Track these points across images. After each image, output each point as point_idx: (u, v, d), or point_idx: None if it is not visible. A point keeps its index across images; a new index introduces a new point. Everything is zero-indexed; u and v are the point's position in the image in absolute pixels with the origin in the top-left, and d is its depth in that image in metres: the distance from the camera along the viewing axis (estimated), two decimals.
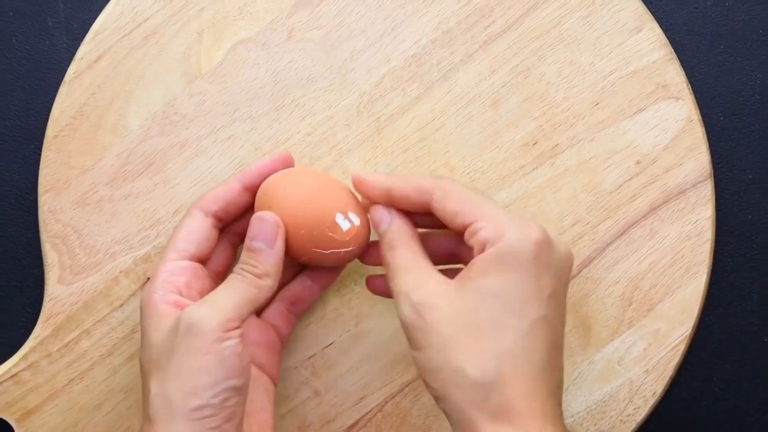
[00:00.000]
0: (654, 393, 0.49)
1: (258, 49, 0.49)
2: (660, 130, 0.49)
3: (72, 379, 0.49)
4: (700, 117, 0.49)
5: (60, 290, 0.49)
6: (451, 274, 0.40)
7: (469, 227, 0.39)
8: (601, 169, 0.49)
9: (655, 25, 0.49)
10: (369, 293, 0.49)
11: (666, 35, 0.49)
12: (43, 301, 0.49)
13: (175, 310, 0.40)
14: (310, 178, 0.43)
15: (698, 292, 0.49)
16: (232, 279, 0.41)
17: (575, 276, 0.49)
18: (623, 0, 0.49)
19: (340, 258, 0.43)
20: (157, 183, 0.49)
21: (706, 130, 0.49)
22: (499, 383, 0.36)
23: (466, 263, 0.41)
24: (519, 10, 0.49)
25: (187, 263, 0.43)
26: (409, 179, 0.41)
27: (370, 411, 0.49)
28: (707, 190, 0.49)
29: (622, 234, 0.49)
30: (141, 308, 0.42)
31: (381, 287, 0.45)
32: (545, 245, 0.38)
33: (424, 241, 0.42)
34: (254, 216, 0.42)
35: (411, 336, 0.39)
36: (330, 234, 0.42)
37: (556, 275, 0.38)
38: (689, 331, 0.49)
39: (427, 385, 0.38)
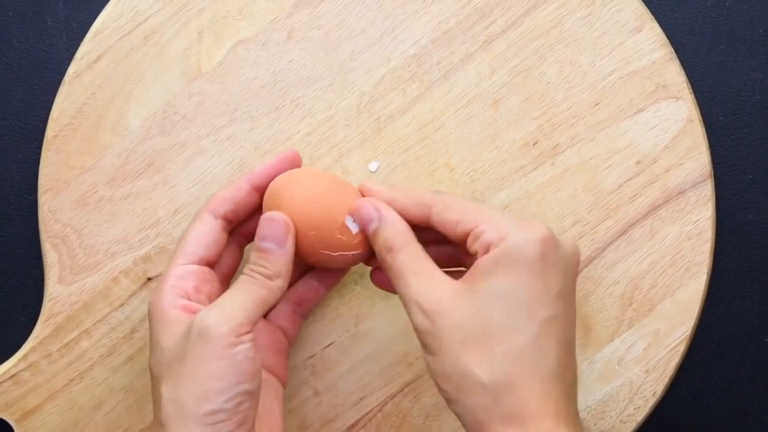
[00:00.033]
0: (654, 393, 0.49)
1: (258, 49, 0.49)
2: (660, 130, 0.49)
3: (72, 379, 0.49)
4: (701, 117, 0.49)
5: (60, 290, 0.49)
6: (452, 275, 0.40)
7: (471, 233, 0.39)
8: (602, 169, 0.49)
9: (655, 25, 0.49)
10: (369, 293, 0.49)
11: (666, 35, 0.49)
12: (43, 301, 0.49)
13: (184, 314, 0.40)
14: (319, 179, 0.43)
15: (698, 292, 0.49)
16: (242, 281, 0.41)
17: None
18: (623, 0, 0.49)
19: (347, 260, 0.42)
20: (157, 183, 0.49)
21: (706, 130, 0.49)
22: (510, 386, 0.36)
23: (468, 267, 0.41)
24: (519, 10, 0.49)
25: (195, 267, 0.42)
26: (410, 193, 0.41)
27: (370, 411, 0.49)
28: (707, 190, 0.49)
29: (622, 234, 0.49)
30: (149, 313, 0.41)
31: (386, 282, 0.44)
32: (551, 243, 0.38)
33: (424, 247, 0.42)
34: (264, 216, 0.42)
35: (423, 341, 0.39)
36: (339, 236, 0.42)
37: (563, 273, 0.38)
38: (689, 331, 0.49)
39: (440, 389, 0.38)
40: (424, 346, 0.39)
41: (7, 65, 0.51)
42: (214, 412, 0.37)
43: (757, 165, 0.51)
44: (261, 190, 0.44)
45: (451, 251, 0.43)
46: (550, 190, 0.49)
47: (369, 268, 0.45)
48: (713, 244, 0.49)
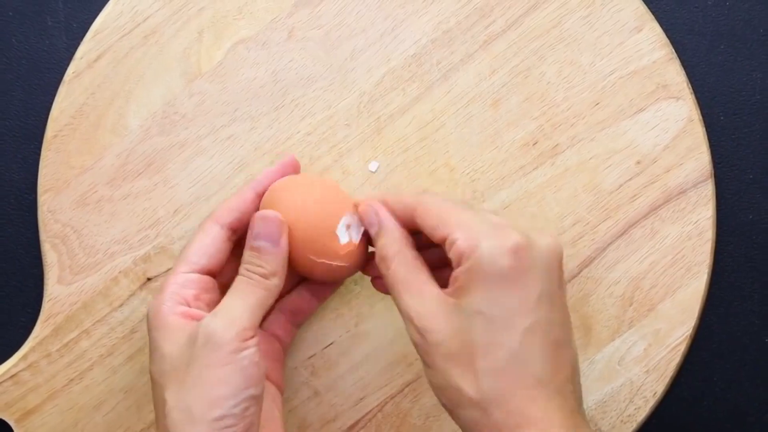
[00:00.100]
0: (654, 393, 0.49)
1: (258, 48, 0.49)
2: (660, 129, 0.49)
3: (71, 379, 0.49)
4: (701, 117, 0.49)
5: (59, 290, 0.48)
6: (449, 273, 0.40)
7: (446, 240, 0.38)
8: (602, 169, 0.49)
9: (655, 25, 0.49)
10: (369, 293, 0.49)
11: (666, 35, 0.49)
12: (43, 301, 0.49)
13: (185, 321, 0.40)
14: (318, 185, 0.43)
15: (699, 292, 0.49)
16: (240, 283, 0.41)
17: (575, 276, 0.49)
18: (623, 0, 0.49)
19: (331, 270, 0.42)
20: (157, 183, 0.49)
21: (706, 129, 0.49)
22: (497, 400, 0.36)
23: None
24: (519, 10, 0.49)
25: (196, 276, 0.42)
26: (397, 198, 0.41)
27: (370, 411, 0.49)
28: (708, 190, 0.49)
29: (622, 234, 0.49)
30: (149, 320, 0.41)
31: (385, 287, 0.45)
32: (522, 249, 0.37)
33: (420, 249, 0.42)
34: (257, 214, 0.42)
35: (419, 355, 0.39)
36: (327, 243, 0.42)
37: (541, 275, 0.38)
38: (690, 331, 0.49)
39: (438, 400, 0.39)
40: (421, 358, 0.39)
41: (6, 65, 0.51)
42: (222, 417, 0.37)
43: (757, 165, 0.51)
44: None
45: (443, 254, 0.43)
46: (550, 190, 0.49)
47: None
48: (714, 244, 0.49)
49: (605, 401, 0.49)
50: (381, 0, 0.49)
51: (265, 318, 0.46)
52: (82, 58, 0.49)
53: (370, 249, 0.43)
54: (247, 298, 0.40)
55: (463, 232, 0.38)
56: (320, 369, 0.49)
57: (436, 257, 0.42)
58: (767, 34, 0.51)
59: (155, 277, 0.49)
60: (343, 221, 0.42)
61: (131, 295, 0.49)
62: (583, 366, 0.49)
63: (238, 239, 0.44)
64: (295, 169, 0.45)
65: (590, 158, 0.49)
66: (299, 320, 0.47)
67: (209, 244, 0.43)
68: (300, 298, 0.46)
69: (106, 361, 0.49)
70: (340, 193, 0.43)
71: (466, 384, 0.37)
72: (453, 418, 0.38)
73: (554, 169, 0.49)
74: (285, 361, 0.47)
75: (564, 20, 0.49)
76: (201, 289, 0.42)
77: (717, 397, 0.52)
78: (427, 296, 0.39)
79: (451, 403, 0.38)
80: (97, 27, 0.49)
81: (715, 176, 0.49)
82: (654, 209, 0.49)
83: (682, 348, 0.49)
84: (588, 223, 0.49)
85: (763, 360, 0.52)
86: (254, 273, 0.41)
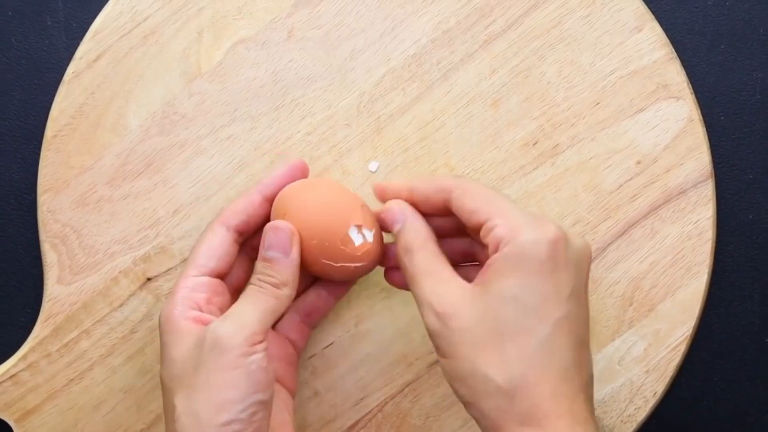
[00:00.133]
0: (654, 393, 0.49)
1: (258, 48, 0.49)
2: (660, 129, 0.49)
3: (71, 380, 0.49)
4: (701, 117, 0.49)
5: (59, 290, 0.48)
6: (467, 271, 0.40)
7: (484, 225, 0.39)
8: (602, 169, 0.49)
9: (655, 25, 0.49)
10: (369, 293, 0.49)
11: (667, 35, 0.49)
12: (43, 301, 0.49)
13: (196, 326, 0.40)
14: (326, 189, 0.43)
15: (699, 292, 0.49)
16: (251, 291, 0.41)
17: None
18: (623, 0, 0.49)
19: (349, 272, 0.42)
20: (157, 183, 0.49)
21: (706, 129, 0.49)
22: (525, 388, 0.36)
23: (482, 262, 0.41)
24: (519, 10, 0.49)
25: (206, 279, 0.42)
26: (430, 179, 0.41)
27: (370, 411, 0.49)
28: (708, 190, 0.49)
29: (622, 234, 0.49)
30: (160, 325, 0.41)
31: (399, 280, 0.44)
32: (561, 243, 0.38)
33: (440, 242, 0.42)
34: (268, 225, 0.42)
35: (437, 344, 0.39)
36: (341, 247, 0.41)
37: (575, 272, 0.38)
38: (690, 331, 0.49)
39: (455, 392, 0.38)
40: (437, 349, 0.39)
41: (6, 65, 0.51)
42: (229, 422, 0.37)
43: (757, 165, 0.51)
44: (272, 201, 0.44)
45: (466, 245, 0.43)
46: (550, 190, 0.49)
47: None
48: (714, 244, 0.49)
49: (605, 401, 0.49)
50: (381, 0, 0.49)
51: (278, 321, 0.46)
52: (81, 58, 0.48)
53: (387, 240, 0.43)
54: (257, 304, 0.40)
55: (503, 219, 0.38)
56: (320, 369, 0.49)
57: (463, 249, 0.42)
58: (767, 33, 0.51)
59: (155, 277, 0.49)
60: (353, 223, 0.42)
61: (131, 295, 0.49)
62: None
63: (245, 241, 0.45)
64: (303, 172, 0.45)
65: (590, 158, 0.49)
66: (314, 320, 0.47)
67: (217, 247, 0.43)
68: (317, 297, 0.46)
69: (105, 361, 0.49)
70: (348, 195, 0.43)
71: (493, 370, 0.36)
72: (472, 411, 0.38)
73: (554, 169, 0.49)
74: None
75: (564, 20, 0.49)
76: (212, 293, 0.42)
77: (717, 397, 0.52)
78: (451, 282, 0.39)
79: (471, 393, 0.37)
80: (96, 27, 0.49)
81: (715, 176, 0.49)
82: (654, 209, 0.49)
83: (682, 348, 0.49)
84: (588, 223, 0.49)
85: (763, 360, 0.52)
86: (266, 283, 0.41)
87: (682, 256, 0.49)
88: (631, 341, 0.49)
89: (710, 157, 0.49)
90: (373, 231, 0.42)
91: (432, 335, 0.39)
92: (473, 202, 0.39)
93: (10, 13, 0.51)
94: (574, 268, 0.38)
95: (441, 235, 0.42)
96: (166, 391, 0.40)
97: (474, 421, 0.38)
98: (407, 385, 0.49)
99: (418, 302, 0.39)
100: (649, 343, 0.49)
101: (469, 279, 0.39)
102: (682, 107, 0.49)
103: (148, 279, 0.49)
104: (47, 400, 0.49)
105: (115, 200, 0.49)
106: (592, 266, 0.49)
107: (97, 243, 0.49)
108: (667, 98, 0.49)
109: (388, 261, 0.44)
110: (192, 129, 0.49)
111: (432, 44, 0.49)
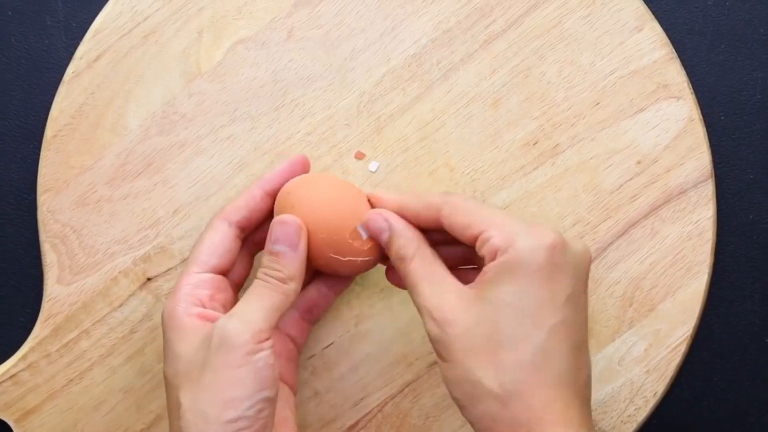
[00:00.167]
0: (655, 393, 0.49)
1: (257, 48, 0.49)
2: (661, 129, 0.49)
3: (71, 380, 0.49)
4: (701, 116, 0.49)
5: (59, 290, 0.48)
6: (466, 274, 0.40)
7: (479, 237, 0.38)
8: (602, 169, 0.49)
9: (655, 25, 0.49)
10: (369, 293, 0.49)
11: (667, 34, 0.49)
12: (42, 301, 0.49)
13: (200, 322, 0.40)
14: (331, 183, 0.43)
15: (699, 292, 0.49)
16: (257, 286, 0.41)
17: None
18: None
19: (356, 266, 0.42)
20: (157, 183, 0.49)
21: (707, 129, 0.49)
22: (518, 394, 0.36)
23: (480, 266, 0.40)
24: (519, 10, 0.49)
25: (209, 276, 0.42)
26: (418, 198, 0.41)
27: (370, 412, 0.49)
28: (708, 190, 0.49)
29: (622, 234, 0.49)
30: (164, 321, 0.41)
31: (400, 280, 0.44)
32: (558, 249, 0.37)
33: (436, 249, 0.42)
34: (276, 219, 0.41)
35: (436, 349, 0.39)
36: (350, 241, 0.41)
37: (572, 277, 0.38)
38: (690, 331, 0.49)
39: (452, 395, 0.39)
40: (437, 353, 0.39)
41: (6, 65, 0.51)
42: (236, 419, 0.37)
43: (758, 165, 0.51)
44: (274, 196, 0.44)
45: (463, 251, 0.43)
46: (550, 190, 0.49)
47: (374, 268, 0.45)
48: (714, 244, 0.49)
49: (605, 401, 0.49)
50: (381, 0, 0.49)
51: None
52: (81, 57, 0.48)
53: None
54: (263, 300, 0.40)
55: (498, 229, 0.38)
56: (320, 369, 0.49)
57: (454, 255, 0.42)
58: (767, 33, 0.51)
59: (155, 277, 0.49)
60: (362, 218, 0.42)
61: (131, 295, 0.49)
62: None
63: (246, 237, 0.44)
64: (305, 168, 0.45)
65: (590, 158, 0.49)
66: (315, 317, 0.47)
67: (219, 243, 0.43)
68: (318, 293, 0.46)
69: (105, 361, 0.49)
70: (353, 189, 0.43)
71: (487, 376, 0.37)
72: (466, 414, 0.38)
73: (554, 168, 0.49)
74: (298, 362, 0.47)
75: (564, 20, 0.49)
76: (215, 289, 0.42)
77: (717, 398, 0.52)
78: (448, 288, 0.39)
79: (467, 397, 0.37)
80: (96, 27, 0.49)
81: (715, 176, 0.49)
82: (654, 209, 0.49)
83: (683, 348, 0.49)
84: (588, 223, 0.49)
85: (763, 360, 0.52)
86: (272, 277, 0.41)
87: (683, 256, 0.49)
88: (631, 341, 0.49)
89: (710, 157, 0.49)
90: None
91: (431, 340, 0.39)
92: (465, 218, 0.39)
93: (9, 13, 0.51)
94: (572, 273, 0.38)
95: (436, 245, 0.42)
96: (170, 387, 0.40)
97: None
98: (407, 385, 0.49)
99: (418, 308, 0.40)
100: (649, 343, 0.49)
101: (467, 282, 0.39)
102: (683, 107, 0.49)
103: (148, 279, 0.49)
104: (47, 400, 0.49)
105: (115, 200, 0.49)
106: (593, 266, 0.49)
107: (97, 243, 0.49)
108: (667, 98, 0.49)
109: (389, 260, 0.44)
110: (192, 129, 0.49)
111: (432, 44, 0.49)
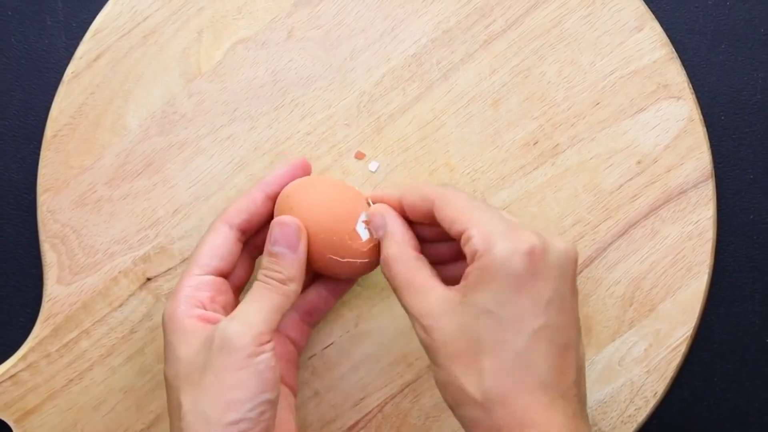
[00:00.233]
0: (655, 393, 0.49)
1: (257, 48, 0.49)
2: (661, 129, 0.49)
3: (71, 380, 0.49)
4: (701, 116, 0.49)
5: (59, 290, 0.48)
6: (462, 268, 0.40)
7: (462, 235, 0.38)
8: (602, 169, 0.49)
9: (656, 25, 0.49)
10: (369, 293, 0.49)
11: (667, 34, 0.49)
12: (42, 302, 0.49)
13: (201, 324, 0.40)
14: (331, 185, 0.43)
15: (699, 292, 0.49)
16: (257, 288, 0.41)
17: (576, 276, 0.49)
18: None
19: (355, 268, 0.42)
20: (156, 183, 0.49)
21: (707, 129, 0.49)
22: (500, 401, 0.36)
23: None
24: (519, 10, 0.49)
25: (210, 278, 0.42)
26: (416, 188, 0.41)
27: (370, 412, 0.49)
28: (708, 190, 0.49)
29: (623, 234, 0.49)
30: (164, 323, 0.41)
31: None
32: (537, 254, 0.37)
33: (433, 244, 0.42)
34: (275, 220, 0.42)
35: (426, 353, 0.39)
36: (349, 242, 0.41)
37: (554, 280, 0.38)
38: (690, 331, 0.49)
39: (442, 397, 0.39)
40: (428, 356, 0.39)
41: (6, 65, 0.50)
42: (237, 421, 0.37)
43: (758, 165, 0.51)
44: (275, 200, 0.44)
45: (459, 246, 0.43)
46: (550, 190, 0.49)
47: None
48: (714, 244, 0.49)
49: (606, 402, 0.49)
50: (381, 0, 0.49)
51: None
52: (81, 57, 0.48)
53: None
54: (264, 302, 0.40)
55: (479, 230, 0.38)
56: (320, 369, 0.49)
57: (453, 250, 0.42)
58: None
59: (155, 277, 0.49)
60: (361, 218, 0.42)
61: (131, 296, 0.49)
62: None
63: (247, 240, 0.44)
64: (305, 170, 0.45)
65: (591, 158, 0.49)
66: (315, 320, 0.47)
67: (220, 246, 0.43)
68: (317, 296, 0.46)
69: (105, 361, 0.49)
70: (352, 191, 0.43)
71: (469, 383, 0.37)
72: (456, 416, 0.38)
73: (555, 168, 0.49)
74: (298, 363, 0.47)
75: (564, 20, 0.49)
76: (215, 291, 0.42)
77: (717, 398, 0.52)
78: (430, 295, 0.39)
79: (453, 401, 0.38)
80: (96, 27, 0.48)
81: (715, 176, 0.49)
82: (654, 209, 0.49)
83: (683, 348, 0.49)
84: (588, 223, 0.49)
85: (763, 360, 0.52)
86: (272, 279, 0.41)
87: (683, 256, 0.49)
88: (631, 341, 0.49)
89: (711, 156, 0.49)
90: None
91: (421, 344, 0.39)
92: (453, 212, 0.39)
93: (9, 13, 0.51)
94: (554, 275, 0.38)
95: (433, 241, 0.42)
96: (170, 389, 0.40)
97: None
98: (407, 386, 0.49)
99: (407, 313, 0.40)
100: (649, 343, 0.49)
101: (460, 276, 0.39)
102: (683, 107, 0.49)
103: (148, 279, 0.49)
104: (47, 401, 0.49)
105: (115, 200, 0.49)
106: (593, 266, 0.49)
107: (96, 243, 0.48)
108: (667, 98, 0.49)
109: None
110: (192, 129, 0.49)
111: (432, 44, 0.49)
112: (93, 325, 0.49)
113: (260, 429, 0.38)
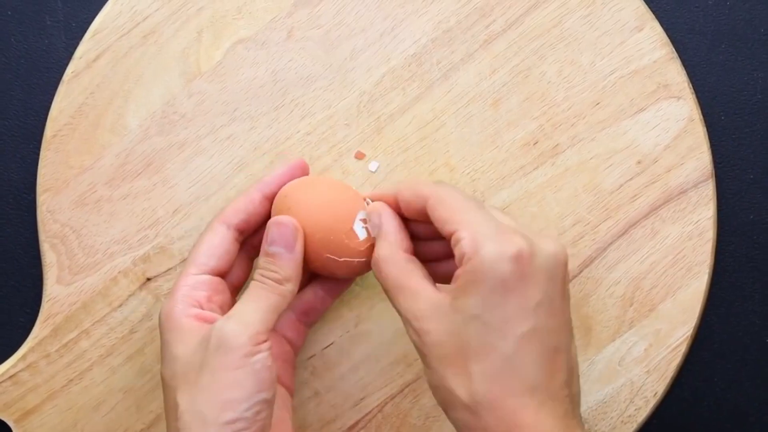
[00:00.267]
0: (655, 393, 0.49)
1: (257, 48, 0.49)
2: (661, 129, 0.49)
3: (71, 380, 0.49)
4: (702, 116, 0.49)
5: (58, 290, 0.48)
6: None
7: (452, 236, 0.38)
8: (602, 169, 0.49)
9: (656, 24, 0.49)
10: (369, 294, 0.48)
11: (667, 34, 0.49)
12: (42, 302, 0.48)
13: (197, 323, 0.40)
14: (328, 185, 0.43)
15: (700, 292, 0.49)
16: (254, 288, 0.41)
17: (576, 276, 0.49)
18: None
19: (352, 267, 0.42)
20: (156, 183, 0.49)
21: (707, 129, 0.49)
22: (488, 405, 0.36)
23: None
24: (519, 10, 0.49)
25: (207, 277, 0.42)
26: (412, 185, 0.41)
27: (370, 412, 0.49)
28: (708, 190, 0.49)
29: (623, 234, 0.49)
30: (161, 322, 0.41)
31: None
32: (525, 257, 0.37)
33: (428, 242, 0.42)
34: (272, 220, 0.42)
35: (419, 354, 0.39)
36: (346, 241, 0.41)
37: (543, 281, 0.37)
38: (690, 331, 0.49)
39: (435, 398, 0.39)
40: (420, 357, 0.39)
41: (5, 65, 0.50)
42: (234, 421, 0.37)
43: (758, 165, 0.51)
44: (273, 199, 0.44)
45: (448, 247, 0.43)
46: (550, 190, 0.49)
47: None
48: (714, 244, 0.49)
49: (606, 402, 0.49)
50: (380, 0, 0.49)
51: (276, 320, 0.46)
52: (81, 57, 0.48)
53: None
54: (260, 302, 0.40)
55: (468, 232, 0.37)
56: (320, 369, 0.49)
57: (447, 248, 0.42)
58: None
59: (155, 277, 0.49)
60: (358, 217, 0.42)
61: (131, 296, 0.49)
62: (583, 367, 0.49)
63: (245, 240, 0.44)
64: (303, 171, 0.45)
65: (591, 158, 0.49)
66: (311, 320, 0.47)
67: (217, 245, 0.43)
68: (314, 296, 0.46)
69: (105, 361, 0.49)
70: (350, 191, 0.43)
71: (459, 386, 0.37)
72: (448, 418, 0.39)
73: (555, 168, 0.49)
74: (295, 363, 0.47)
75: (564, 20, 0.49)
76: (212, 291, 0.42)
77: (718, 398, 0.52)
78: (421, 297, 0.39)
79: (444, 403, 0.38)
80: (96, 27, 0.48)
81: (715, 176, 0.49)
82: (655, 209, 0.49)
83: (683, 348, 0.49)
84: (588, 223, 0.49)
85: (764, 360, 0.52)
86: (268, 278, 0.41)
87: (683, 256, 0.49)
88: (631, 341, 0.49)
89: (711, 156, 0.49)
90: None
91: (414, 345, 0.39)
92: (445, 212, 0.39)
93: (9, 13, 0.51)
94: (543, 278, 0.37)
95: (428, 239, 0.42)
96: (167, 388, 0.40)
97: None
98: (407, 386, 0.49)
99: (399, 316, 0.40)
100: (649, 343, 0.49)
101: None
102: (683, 107, 0.49)
103: (148, 279, 0.49)
104: (47, 401, 0.48)
105: (115, 200, 0.49)
106: (593, 266, 0.49)
107: (96, 243, 0.48)
108: (667, 98, 0.49)
109: None
110: (191, 129, 0.49)
111: (432, 44, 0.49)
112: (93, 325, 0.49)
113: (257, 428, 0.38)
